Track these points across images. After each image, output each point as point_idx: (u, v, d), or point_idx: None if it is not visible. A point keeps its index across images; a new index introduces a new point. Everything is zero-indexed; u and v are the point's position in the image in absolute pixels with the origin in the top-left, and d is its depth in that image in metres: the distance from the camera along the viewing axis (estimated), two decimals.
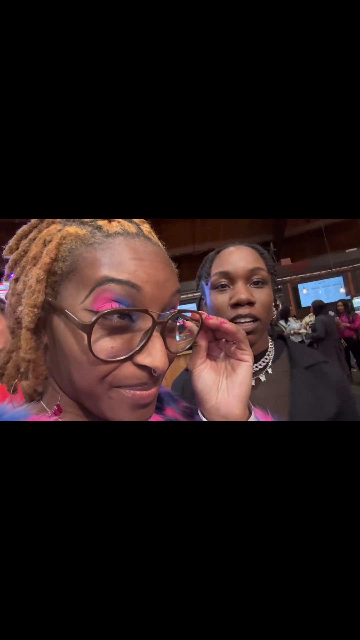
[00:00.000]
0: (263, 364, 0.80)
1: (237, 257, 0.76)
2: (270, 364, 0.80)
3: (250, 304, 0.72)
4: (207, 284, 0.79)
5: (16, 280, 0.38)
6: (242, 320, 0.72)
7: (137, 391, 0.35)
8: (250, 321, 0.72)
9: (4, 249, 0.40)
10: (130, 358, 0.34)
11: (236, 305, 0.72)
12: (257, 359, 0.79)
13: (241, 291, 0.72)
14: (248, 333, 0.72)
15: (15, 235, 0.39)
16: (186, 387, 0.86)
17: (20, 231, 0.39)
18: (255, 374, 0.79)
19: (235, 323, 0.72)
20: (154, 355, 0.34)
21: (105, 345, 0.33)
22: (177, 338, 0.44)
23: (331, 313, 5.89)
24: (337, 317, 5.89)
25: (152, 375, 0.36)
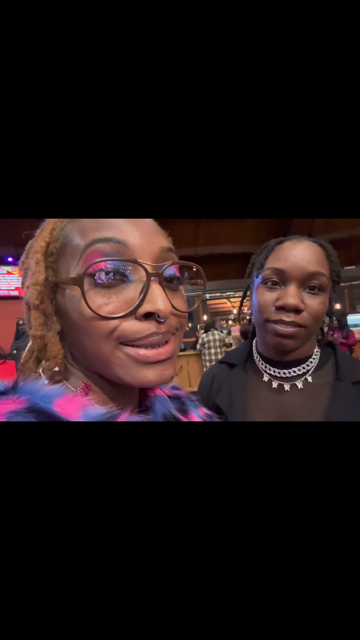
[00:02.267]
0: (303, 370, 0.72)
1: (298, 255, 0.66)
2: (311, 371, 0.72)
3: (298, 311, 0.65)
4: (257, 276, 0.72)
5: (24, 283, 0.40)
6: (284, 325, 0.65)
7: (145, 350, 0.35)
8: (293, 326, 0.65)
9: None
10: (132, 313, 0.34)
11: (281, 308, 0.65)
12: (296, 363, 0.72)
13: (290, 295, 0.64)
14: (287, 337, 0.66)
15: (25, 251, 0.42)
16: (215, 380, 0.82)
17: (28, 246, 0.41)
18: (291, 379, 0.72)
19: (277, 325, 0.66)
20: (154, 300, 0.34)
21: (102, 302, 0.34)
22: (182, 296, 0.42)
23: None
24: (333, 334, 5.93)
25: (158, 322, 0.35)
